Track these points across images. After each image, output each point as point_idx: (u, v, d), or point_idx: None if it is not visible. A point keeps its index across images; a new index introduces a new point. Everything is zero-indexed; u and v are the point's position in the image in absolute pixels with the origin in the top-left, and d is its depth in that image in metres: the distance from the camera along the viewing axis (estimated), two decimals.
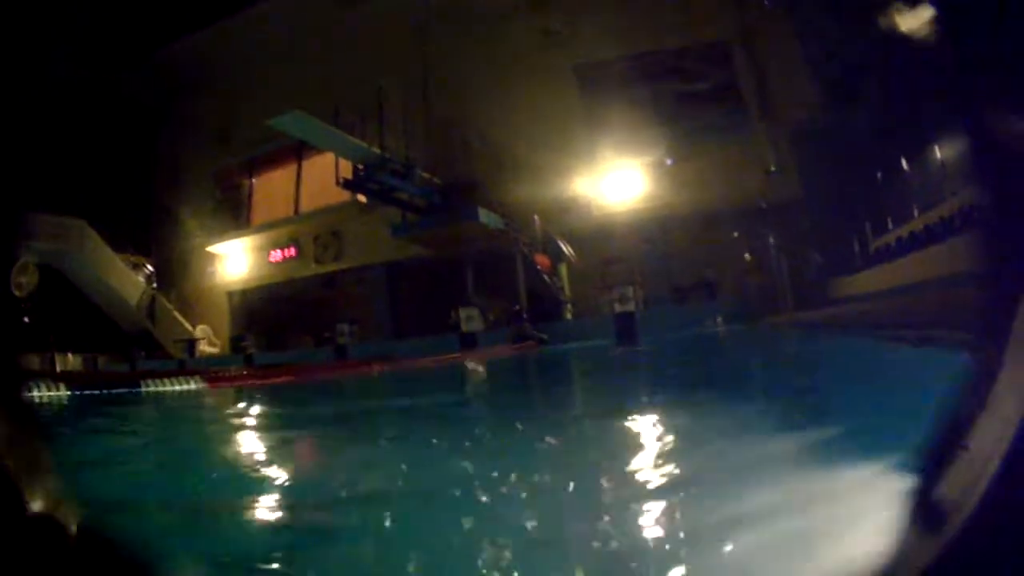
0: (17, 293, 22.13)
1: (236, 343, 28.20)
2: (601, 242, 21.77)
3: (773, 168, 19.69)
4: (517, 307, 22.35)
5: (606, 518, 2.27)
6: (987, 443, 1.10)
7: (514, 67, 24.20)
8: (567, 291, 21.81)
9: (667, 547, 2.06)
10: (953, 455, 1.15)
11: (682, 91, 22.55)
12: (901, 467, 1.75)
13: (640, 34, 22.33)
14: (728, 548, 1.81)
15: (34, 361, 26.35)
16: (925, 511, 1.15)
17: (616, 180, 22.65)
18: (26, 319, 28.09)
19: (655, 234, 21.43)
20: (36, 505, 1.38)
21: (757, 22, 21.06)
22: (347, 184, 22.53)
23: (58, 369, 25.65)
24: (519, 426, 4.79)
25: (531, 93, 23.62)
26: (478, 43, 24.98)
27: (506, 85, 23.95)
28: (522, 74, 24.07)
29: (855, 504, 1.87)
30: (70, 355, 28.29)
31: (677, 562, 1.91)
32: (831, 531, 1.68)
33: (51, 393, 10.46)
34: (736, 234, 19.52)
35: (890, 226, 15.25)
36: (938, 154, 13.21)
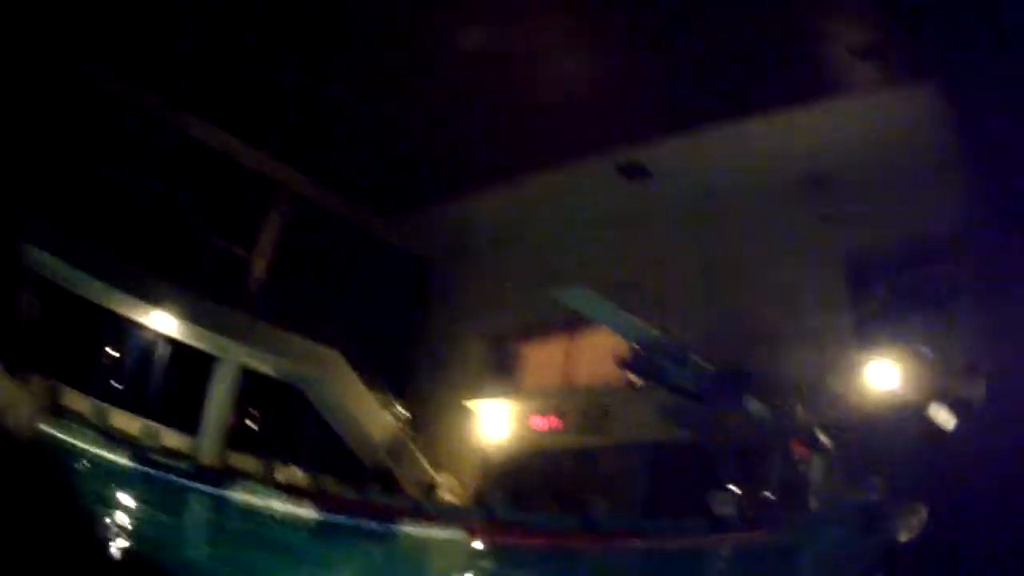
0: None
1: (480, 498, 31.17)
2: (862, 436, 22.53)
3: None
4: (767, 494, 24.38)
5: None
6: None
7: (787, 249, 26.56)
8: (819, 483, 22.81)
9: None
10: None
11: (949, 276, 23.58)
12: None
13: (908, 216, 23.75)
14: None
15: (251, 463, 30.10)
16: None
17: (878, 370, 23.59)
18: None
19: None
20: None
21: None
22: (624, 364, 25.20)
23: (278, 479, 29.03)
24: None
25: (804, 275, 25.76)
26: (759, 226, 27.56)
27: (779, 266, 26.33)
28: (795, 255, 26.28)
29: None
30: (293, 467, 31.63)
31: None
32: None
33: (291, 507, 13.09)
34: None
35: None
36: None
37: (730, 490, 22.38)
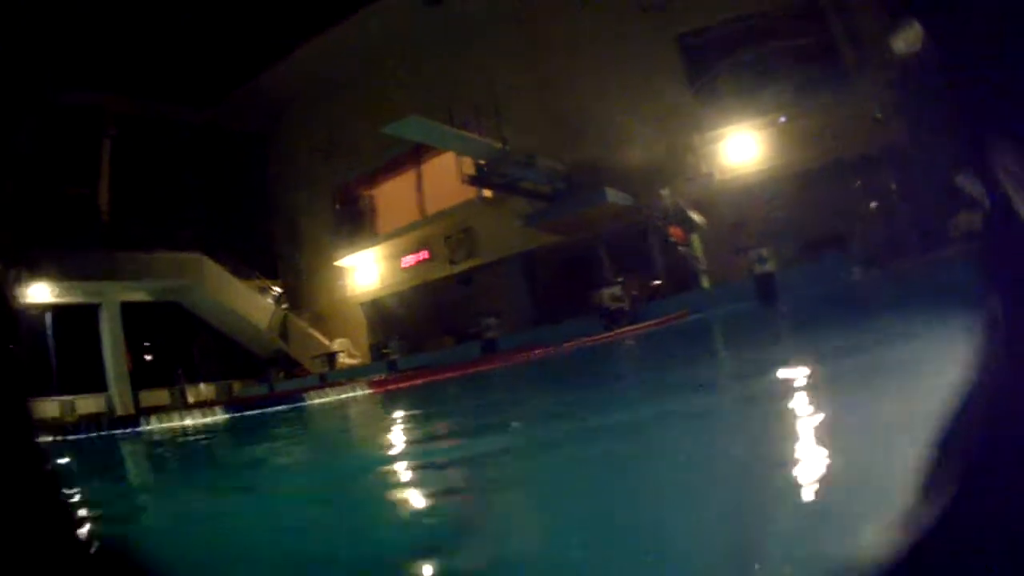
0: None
1: (377, 351, 31.45)
2: (728, 207, 23.90)
3: (879, 115, 20.93)
4: (657, 282, 25.16)
5: None
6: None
7: (617, 42, 26.38)
8: (702, 259, 23.65)
9: None
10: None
11: (782, 49, 24.08)
12: None
13: None
14: None
15: (163, 396, 30.16)
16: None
17: (734, 144, 24.54)
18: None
19: (779, 192, 23.00)
20: None
21: None
22: (472, 180, 25.51)
23: (190, 400, 29.07)
24: None
25: (641, 67, 25.76)
26: (577, 23, 27.45)
27: (613, 62, 26.22)
28: (627, 48, 26.19)
29: None
30: (202, 385, 32.01)
31: None
32: None
33: (207, 420, 13.16)
34: (858, 183, 21.28)
35: None
36: None
37: (616, 283, 22.51)
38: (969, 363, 1.24)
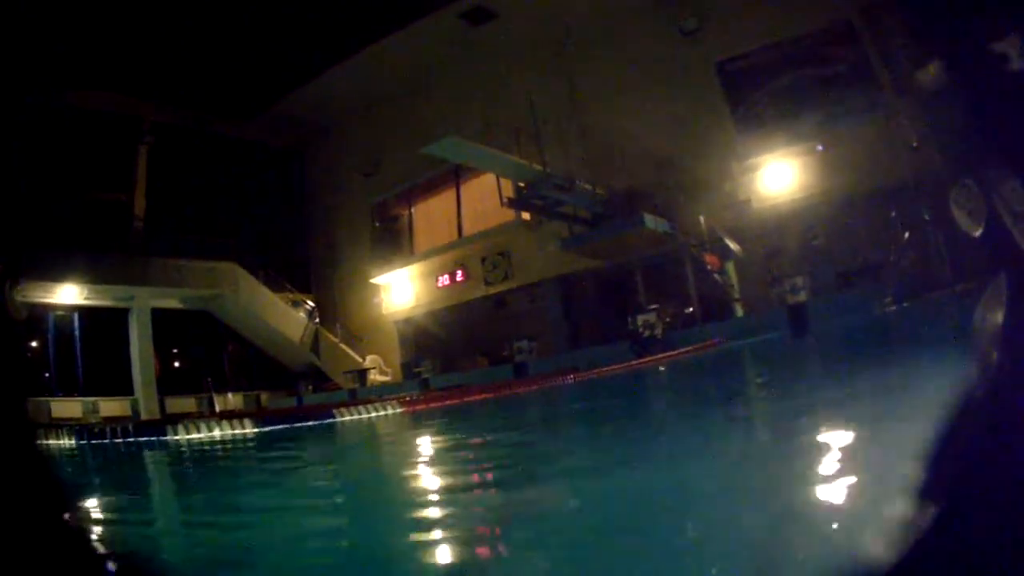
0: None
1: (409, 369, 31.37)
2: (763, 235, 24.27)
3: (915, 143, 20.46)
4: (690, 309, 25.45)
5: None
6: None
7: (656, 67, 26.93)
8: (736, 288, 23.80)
9: None
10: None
11: (819, 76, 24.35)
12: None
13: (768, 23, 24.56)
14: None
15: (190, 404, 30.56)
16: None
17: (771, 172, 24.77)
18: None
19: (814, 221, 23.40)
20: None
21: None
22: (511, 203, 25.69)
23: (217, 409, 29.60)
24: None
25: (680, 93, 26.23)
26: (615, 49, 28.01)
27: (653, 87, 26.66)
28: (666, 74, 26.71)
29: None
30: (230, 395, 32.45)
31: None
32: None
33: (235, 431, 13.39)
34: (893, 213, 21.18)
35: None
36: None
37: (651, 309, 22.77)
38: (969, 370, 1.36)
